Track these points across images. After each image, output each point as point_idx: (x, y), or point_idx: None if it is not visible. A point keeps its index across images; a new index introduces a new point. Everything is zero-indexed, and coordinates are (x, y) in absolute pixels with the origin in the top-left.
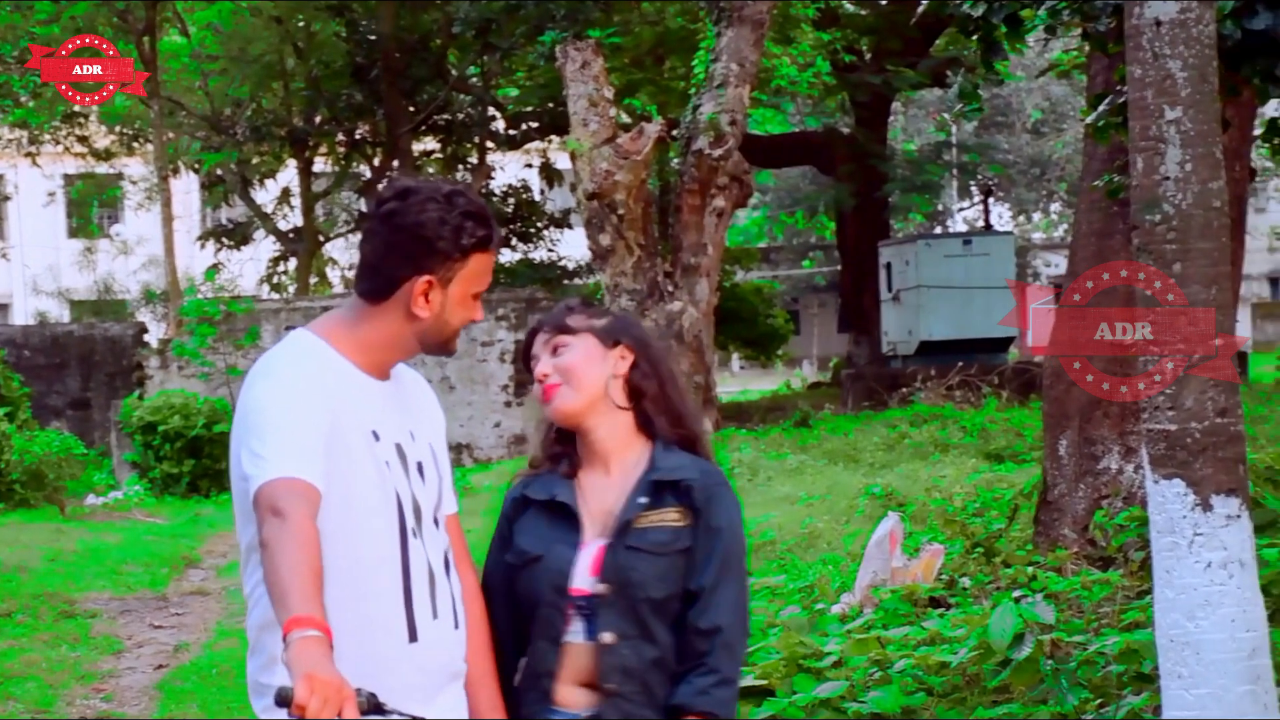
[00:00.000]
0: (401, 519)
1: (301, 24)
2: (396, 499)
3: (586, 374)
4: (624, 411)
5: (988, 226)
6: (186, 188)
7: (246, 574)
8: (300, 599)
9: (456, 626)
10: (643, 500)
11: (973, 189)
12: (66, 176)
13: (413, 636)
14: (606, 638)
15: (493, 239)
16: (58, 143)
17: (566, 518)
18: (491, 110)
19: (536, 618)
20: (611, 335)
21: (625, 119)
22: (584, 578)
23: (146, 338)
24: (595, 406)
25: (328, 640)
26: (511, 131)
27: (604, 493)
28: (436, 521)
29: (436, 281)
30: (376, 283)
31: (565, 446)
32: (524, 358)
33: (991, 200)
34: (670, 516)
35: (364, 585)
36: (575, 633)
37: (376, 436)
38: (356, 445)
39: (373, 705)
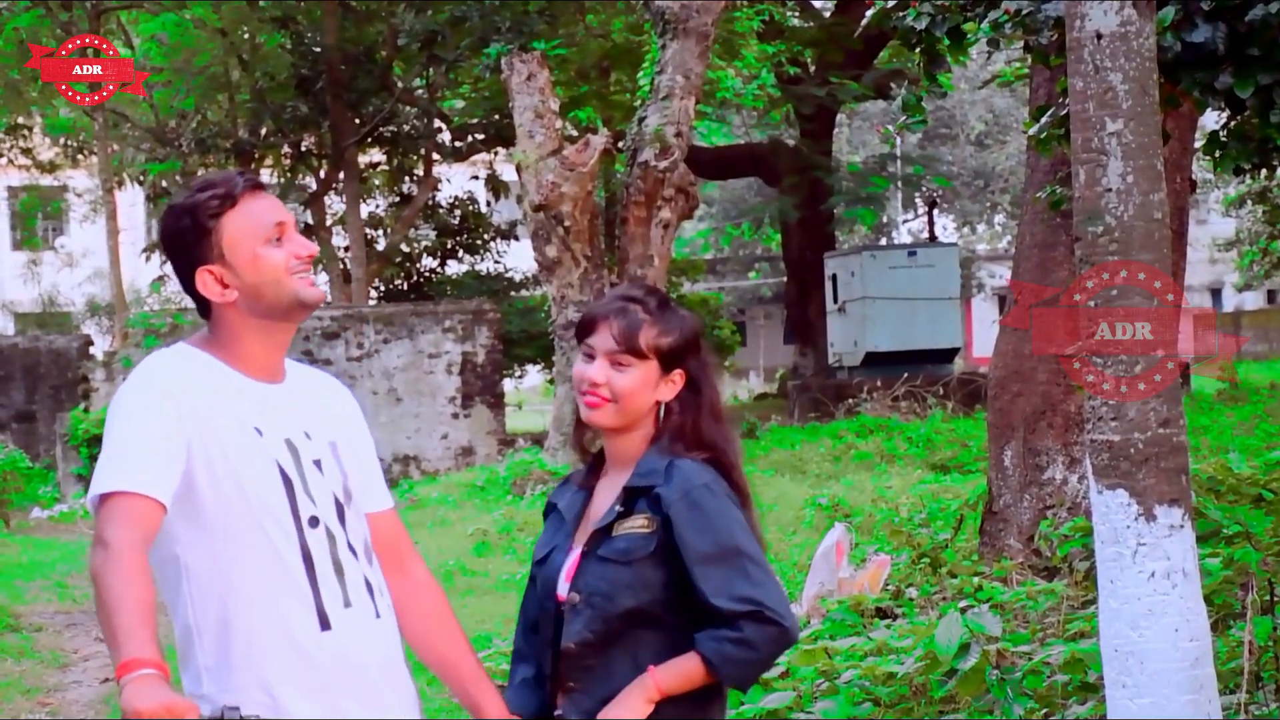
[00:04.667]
0: (294, 509)
1: (246, 36)
2: (287, 489)
3: (637, 400)
4: (652, 426)
5: (932, 238)
6: (131, 200)
7: (163, 587)
8: (129, 641)
9: (378, 617)
10: (618, 509)
11: (917, 201)
12: (10, 189)
13: (324, 625)
14: (569, 646)
15: (231, 191)
16: (1, 155)
17: (568, 523)
18: (437, 122)
19: (539, 620)
20: (671, 362)
21: (571, 131)
22: (563, 585)
23: (92, 350)
24: (634, 425)
25: (162, 674)
26: (457, 143)
27: (604, 499)
28: (344, 513)
29: (212, 266)
30: (194, 300)
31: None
32: (580, 333)
33: (936, 212)
34: (639, 524)
35: (268, 577)
36: (564, 637)
37: (260, 432)
38: (236, 441)
39: (228, 712)
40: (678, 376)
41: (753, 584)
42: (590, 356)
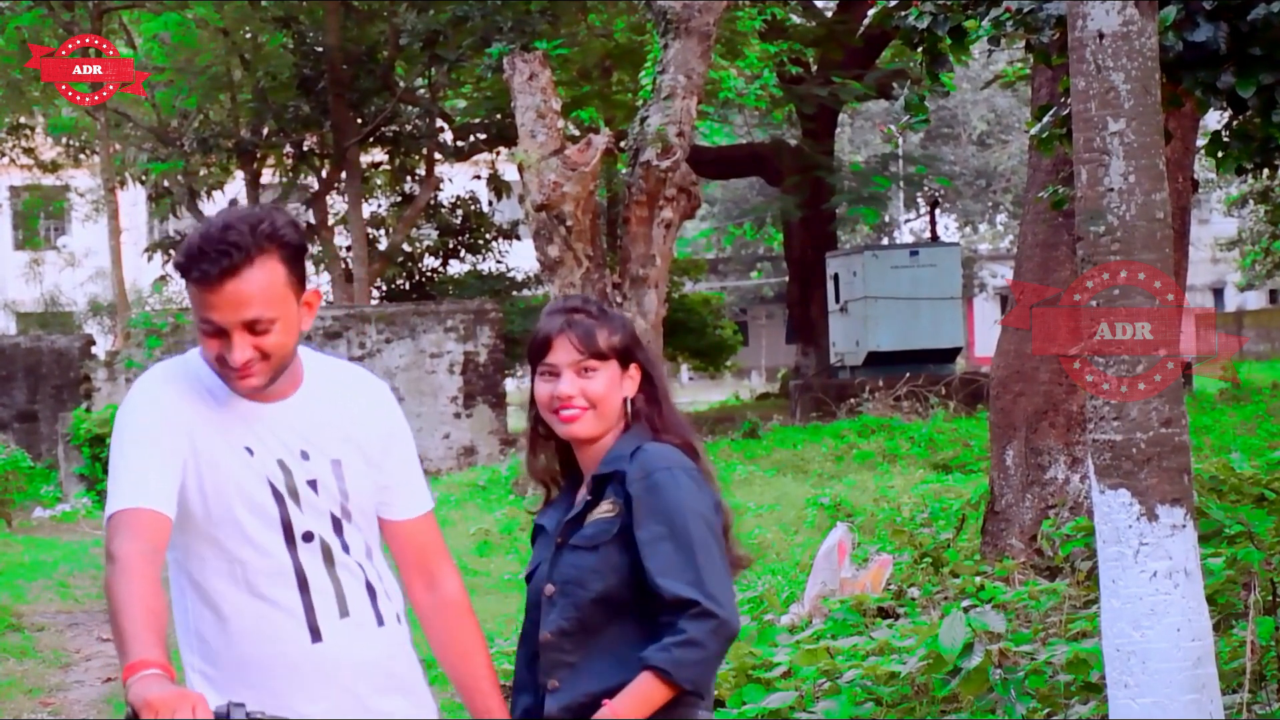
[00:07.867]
0: (286, 524)
1: (248, 36)
2: (279, 506)
3: (611, 402)
4: (621, 425)
5: (934, 238)
6: (133, 200)
7: (172, 593)
8: (135, 645)
9: (381, 624)
10: (588, 498)
11: (919, 200)
12: (12, 188)
13: (315, 637)
14: (546, 636)
15: (189, 269)
16: (3, 155)
17: (551, 534)
18: (439, 122)
19: (528, 631)
20: (627, 357)
21: (573, 131)
22: (547, 581)
23: (94, 350)
24: (609, 429)
25: (168, 676)
26: (459, 143)
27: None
28: (342, 526)
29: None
30: None
31: (559, 461)
32: (536, 354)
33: (938, 211)
34: (605, 509)
35: (258, 591)
36: (541, 628)
37: (250, 452)
38: (227, 460)
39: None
40: (634, 371)
41: (696, 568)
42: (553, 375)
